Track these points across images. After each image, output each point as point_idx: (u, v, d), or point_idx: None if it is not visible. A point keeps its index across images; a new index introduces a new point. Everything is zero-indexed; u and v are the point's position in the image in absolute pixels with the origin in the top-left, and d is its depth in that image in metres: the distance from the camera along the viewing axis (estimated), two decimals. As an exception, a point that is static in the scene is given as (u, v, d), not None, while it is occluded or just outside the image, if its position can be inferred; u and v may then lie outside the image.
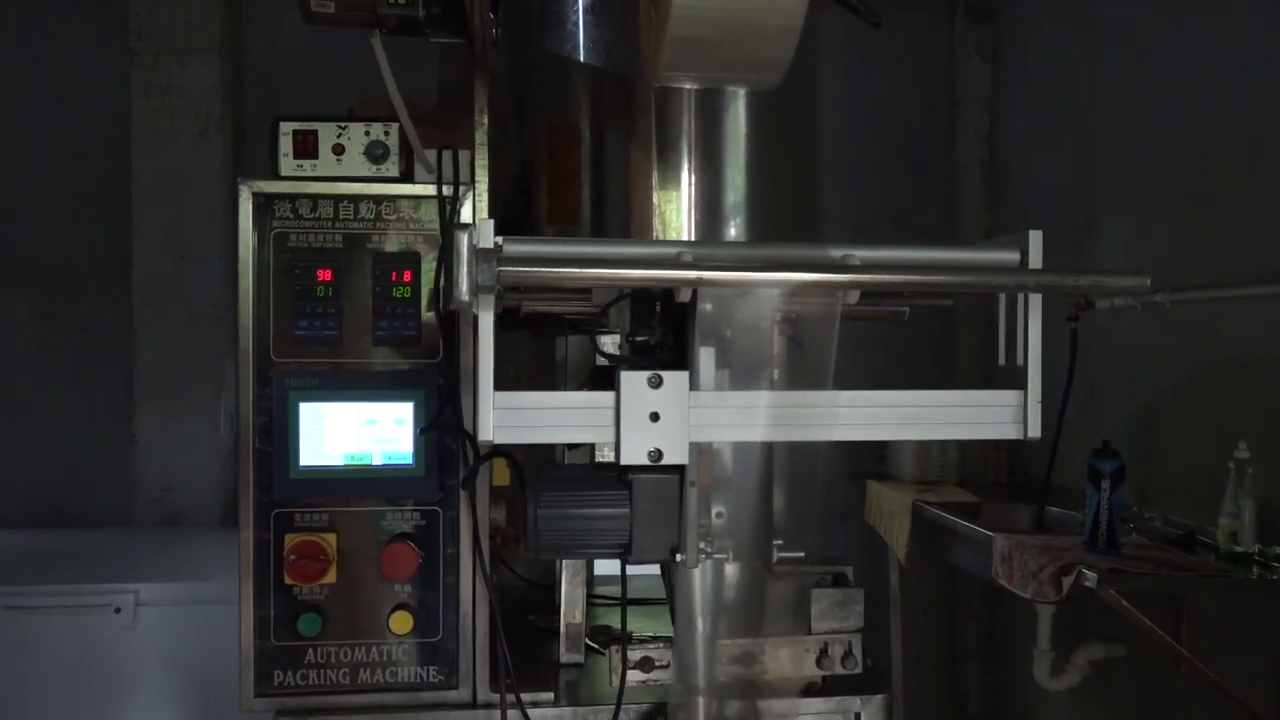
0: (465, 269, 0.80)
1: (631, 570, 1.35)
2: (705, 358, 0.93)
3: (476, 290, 0.81)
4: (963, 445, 3.39)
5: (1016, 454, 3.46)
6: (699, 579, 1.09)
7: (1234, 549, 2.23)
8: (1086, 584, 2.18)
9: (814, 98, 1.52)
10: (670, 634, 1.30)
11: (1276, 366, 2.30)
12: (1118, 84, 2.90)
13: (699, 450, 0.95)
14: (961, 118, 3.58)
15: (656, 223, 1.32)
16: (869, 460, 3.57)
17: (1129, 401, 2.84)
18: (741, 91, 1.39)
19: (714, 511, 0.99)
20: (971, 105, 3.53)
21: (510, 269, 0.81)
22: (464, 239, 0.80)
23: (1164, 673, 2.40)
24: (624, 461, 0.91)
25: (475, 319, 0.85)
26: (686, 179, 1.36)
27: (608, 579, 1.75)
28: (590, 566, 1.76)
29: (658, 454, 0.91)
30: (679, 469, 0.96)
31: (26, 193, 3.18)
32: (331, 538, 1.30)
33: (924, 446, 3.38)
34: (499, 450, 1.28)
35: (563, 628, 1.46)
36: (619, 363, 0.96)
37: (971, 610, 3.58)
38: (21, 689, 2.47)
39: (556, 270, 0.85)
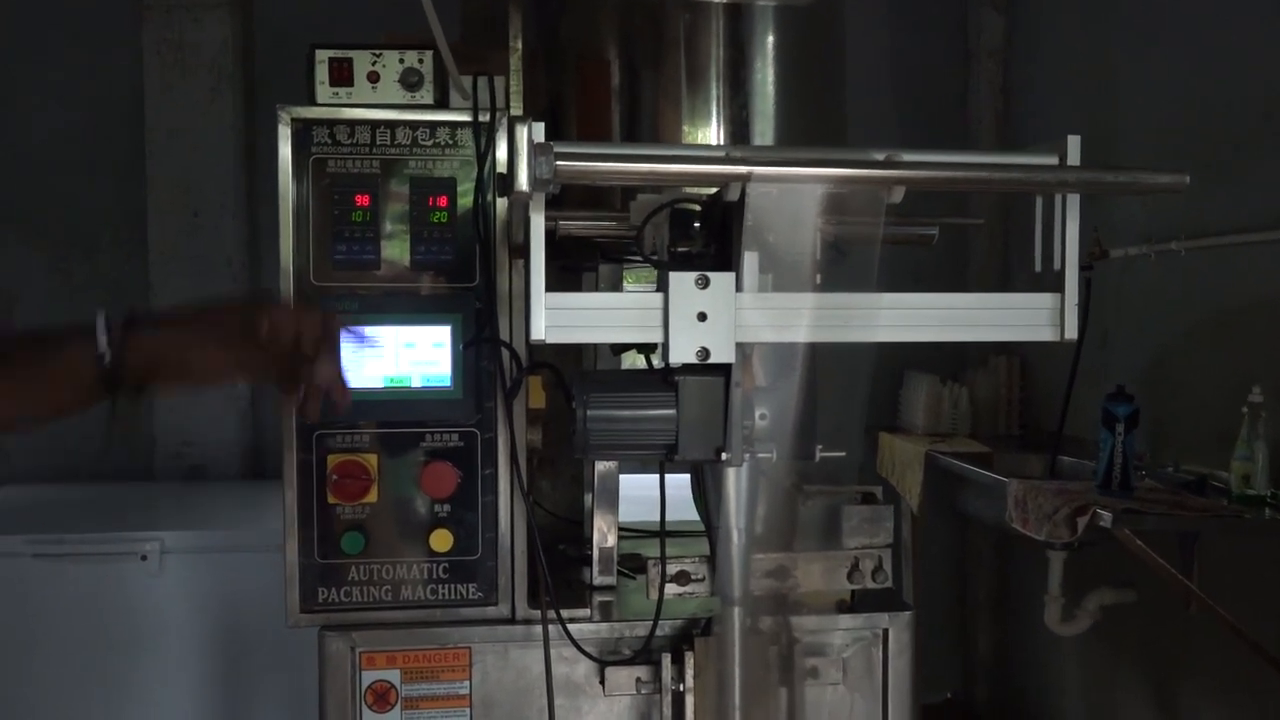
0: (525, 162, 0.82)
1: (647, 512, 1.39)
2: (750, 261, 0.95)
3: (535, 184, 0.83)
4: (975, 397, 3.42)
5: (1028, 406, 3.49)
6: (733, 493, 1.12)
7: (1246, 491, 2.26)
8: (1102, 524, 2.21)
9: (840, 30, 1.53)
10: (703, 553, 1.34)
11: (1286, 310, 2.31)
12: (1131, 34, 2.89)
13: (743, 352, 0.98)
14: (975, 69, 3.56)
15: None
16: (881, 413, 3.59)
17: (1141, 351, 2.86)
18: (770, 23, 1.41)
19: (757, 414, 1.02)
20: (984, 57, 3.51)
21: (567, 164, 0.84)
22: (523, 132, 0.82)
23: (1174, 617, 2.44)
24: (673, 360, 0.94)
25: (527, 222, 0.88)
26: (715, 110, 1.38)
27: (629, 523, 1.78)
28: (617, 499, 1.79)
29: (705, 353, 0.93)
30: (724, 371, 0.99)
31: (43, 149, 3.19)
32: (373, 458, 1.33)
33: (936, 398, 3.40)
34: (545, 362, 1.30)
35: (595, 552, 1.48)
36: (662, 268, 0.98)
37: (982, 560, 3.62)
38: (50, 635, 2.51)
39: (611, 165, 0.88)
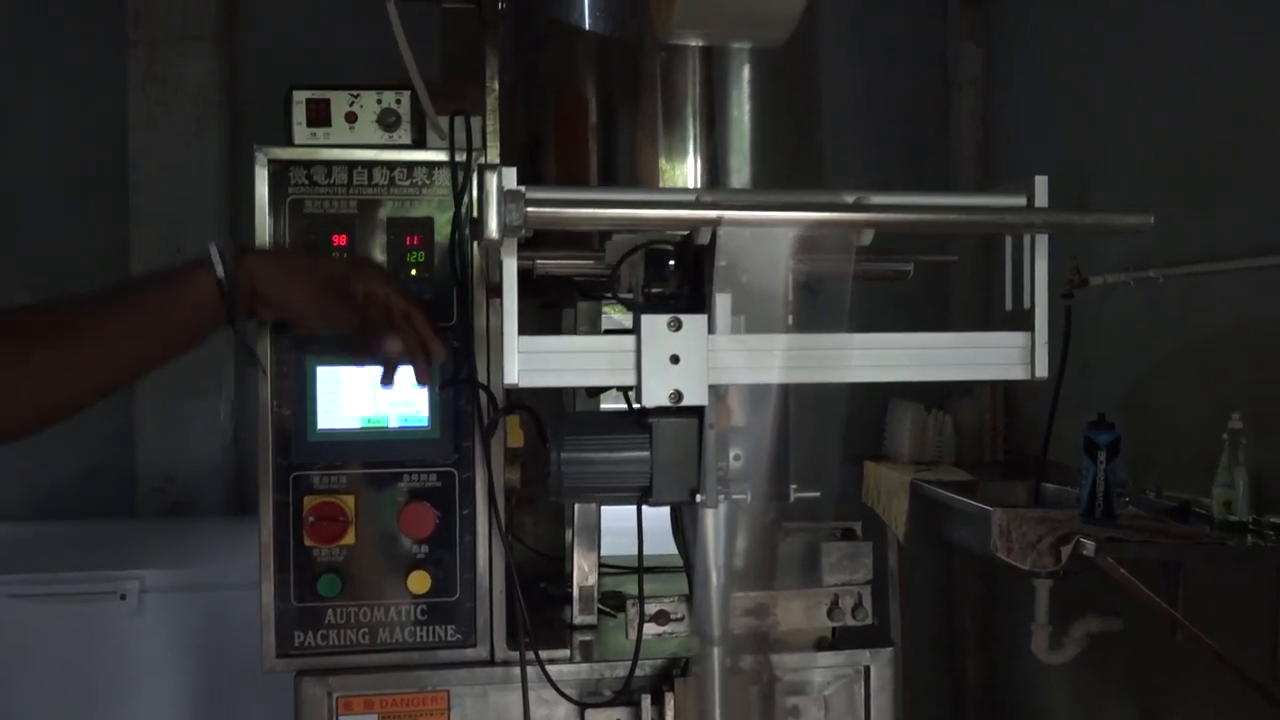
0: (494, 209, 0.82)
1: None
2: (722, 303, 0.95)
3: (505, 231, 0.83)
4: (959, 424, 3.43)
5: (1012, 432, 3.49)
6: (711, 531, 1.11)
7: (1228, 518, 2.27)
8: (1085, 553, 2.21)
9: (816, 67, 1.55)
10: (683, 592, 1.33)
11: (1265, 339, 2.33)
12: (1109, 65, 2.93)
13: (716, 394, 0.98)
14: (956, 100, 3.60)
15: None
16: (866, 442, 3.60)
17: (1122, 378, 2.88)
18: (745, 61, 1.42)
19: (731, 454, 1.01)
20: (965, 87, 3.55)
21: (537, 210, 0.84)
22: (493, 179, 0.82)
23: (1160, 645, 2.44)
24: (646, 403, 0.94)
25: (500, 266, 0.88)
26: (692, 147, 1.39)
27: (612, 558, 1.77)
28: (598, 536, 1.79)
29: (678, 395, 0.93)
30: (698, 413, 0.99)
31: (24, 183, 3.18)
32: (350, 499, 1.32)
33: (920, 426, 3.41)
34: (520, 404, 1.30)
35: (575, 590, 1.48)
36: (635, 310, 0.98)
37: (969, 588, 3.61)
38: (27, 678, 2.47)
39: (581, 211, 0.88)
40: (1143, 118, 2.77)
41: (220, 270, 1.10)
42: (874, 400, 3.60)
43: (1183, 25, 2.61)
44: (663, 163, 1.38)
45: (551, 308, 1.64)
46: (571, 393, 1.49)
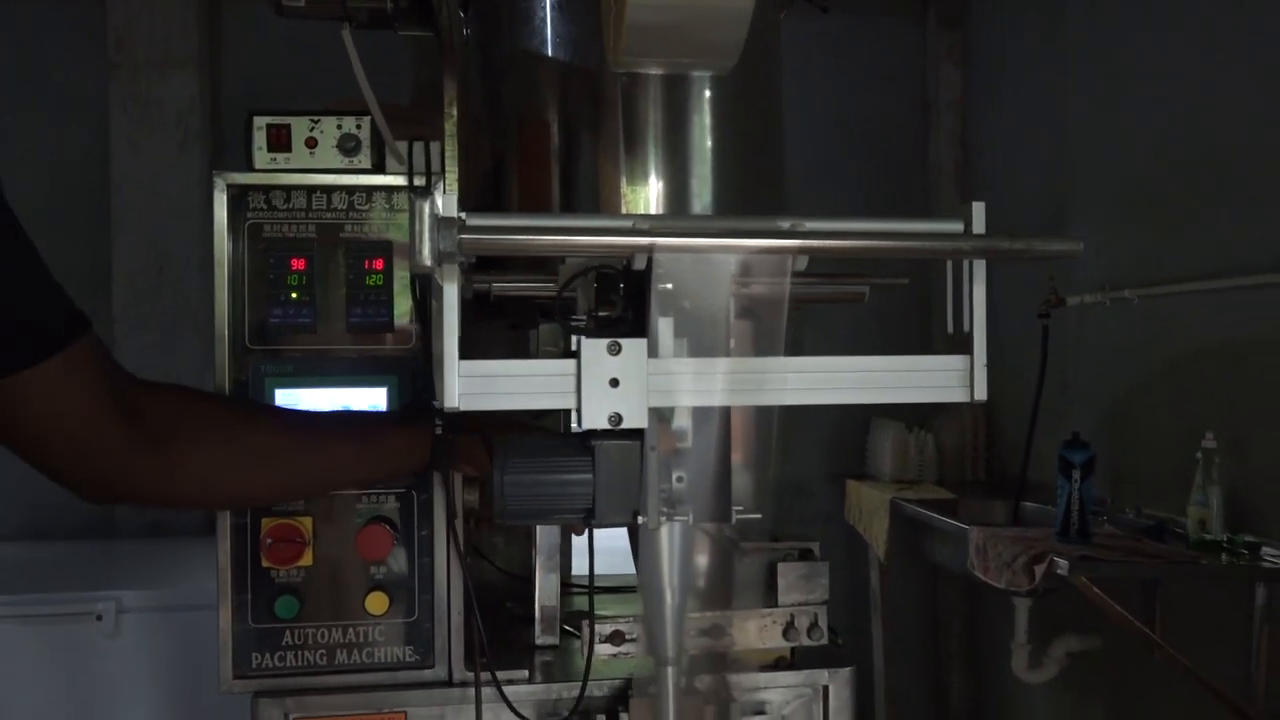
0: (427, 236, 0.83)
1: (609, 567, 1.39)
2: (664, 326, 0.96)
3: (439, 259, 0.84)
4: (941, 443, 3.44)
5: (994, 451, 3.50)
6: (665, 550, 1.12)
7: (1203, 537, 2.28)
8: (1059, 571, 2.22)
9: (777, 93, 1.56)
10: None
11: (1237, 358, 2.35)
12: (1086, 89, 2.96)
13: (658, 416, 0.99)
14: (934, 121, 3.63)
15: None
16: (849, 461, 3.61)
17: (1100, 397, 2.89)
18: (706, 87, 1.43)
19: (674, 476, 1.02)
20: (943, 109, 3.59)
21: (470, 237, 0.85)
22: (425, 206, 0.83)
23: (1140, 663, 2.44)
24: (585, 425, 0.95)
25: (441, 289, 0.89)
26: (653, 172, 1.40)
27: (583, 576, 1.77)
28: (568, 556, 1.79)
29: (617, 418, 0.94)
30: (640, 436, 1.00)
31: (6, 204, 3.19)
32: (307, 521, 1.33)
33: (902, 445, 3.42)
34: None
35: (537, 611, 1.48)
36: (582, 333, 0.99)
37: (952, 607, 3.62)
38: (2, 699, 2.46)
39: (515, 238, 0.89)
40: (1118, 140, 2.80)
41: (439, 429, 1.24)
42: (856, 418, 3.61)
43: (1158, 51, 2.64)
44: (624, 186, 1.39)
45: (519, 328, 1.65)
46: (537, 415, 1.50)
